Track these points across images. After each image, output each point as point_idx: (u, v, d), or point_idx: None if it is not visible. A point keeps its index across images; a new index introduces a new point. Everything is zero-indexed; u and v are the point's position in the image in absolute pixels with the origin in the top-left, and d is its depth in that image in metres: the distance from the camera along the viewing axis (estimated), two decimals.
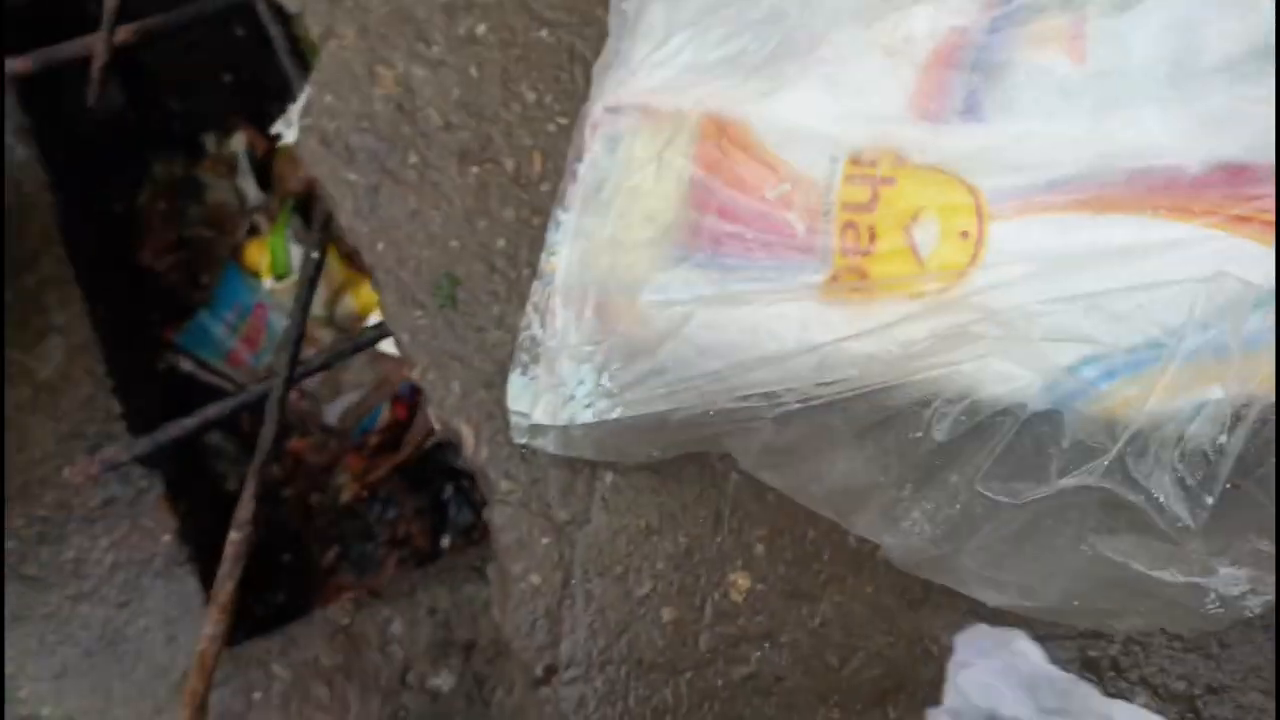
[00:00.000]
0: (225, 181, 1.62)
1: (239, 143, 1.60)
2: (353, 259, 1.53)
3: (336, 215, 0.68)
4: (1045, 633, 0.63)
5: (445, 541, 1.43)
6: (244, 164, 1.60)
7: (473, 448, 0.65)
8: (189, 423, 0.80)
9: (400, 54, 0.70)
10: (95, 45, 0.80)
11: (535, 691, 0.62)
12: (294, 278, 1.43)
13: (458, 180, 0.68)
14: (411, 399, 1.54)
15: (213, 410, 0.79)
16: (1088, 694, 0.50)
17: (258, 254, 1.54)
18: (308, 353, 1.56)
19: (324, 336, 1.50)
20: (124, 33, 0.80)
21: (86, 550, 1.16)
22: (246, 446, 1.44)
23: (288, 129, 0.71)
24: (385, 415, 1.52)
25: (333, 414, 1.53)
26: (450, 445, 1.45)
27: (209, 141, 1.59)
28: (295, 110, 0.71)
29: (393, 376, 1.55)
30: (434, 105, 0.69)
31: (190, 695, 0.70)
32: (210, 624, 0.71)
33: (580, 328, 0.62)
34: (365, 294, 1.47)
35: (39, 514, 1.17)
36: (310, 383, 1.53)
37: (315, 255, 0.75)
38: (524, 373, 0.63)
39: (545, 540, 0.64)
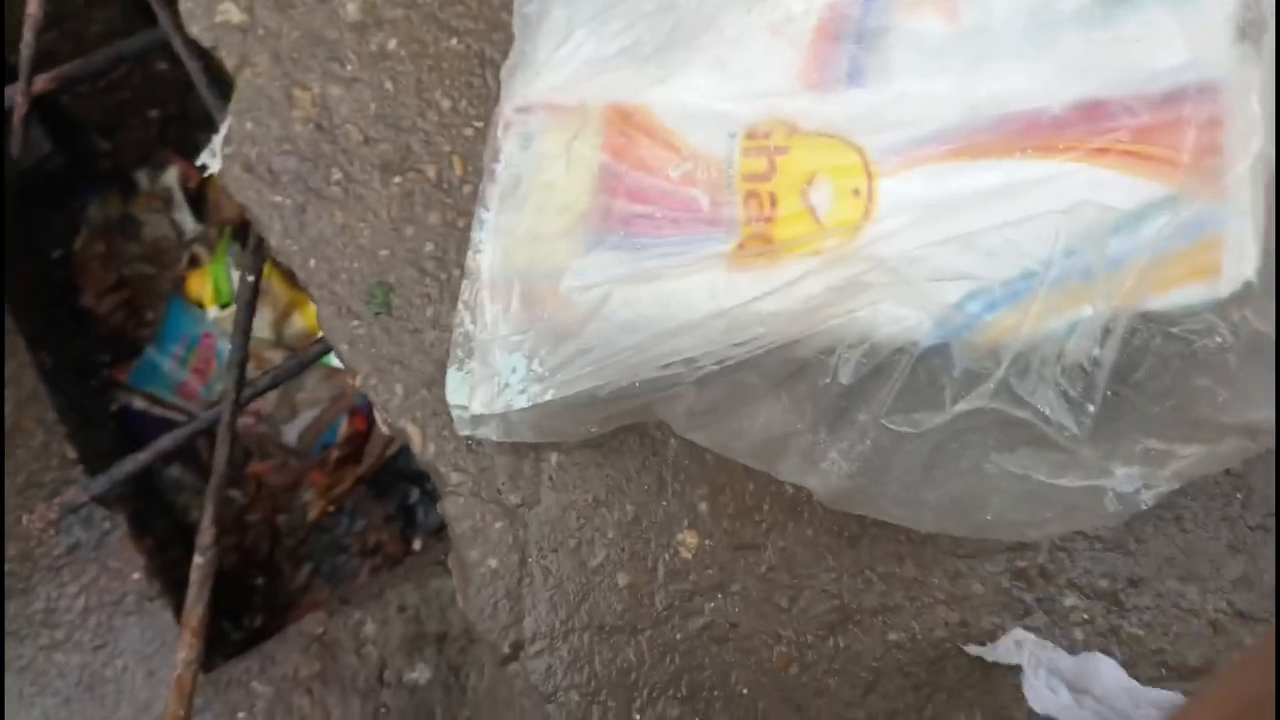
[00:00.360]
0: (161, 216, 1.63)
1: (171, 177, 1.61)
2: (294, 279, 1.54)
3: (267, 237, 0.71)
4: (973, 550, 0.67)
5: (417, 544, 1.46)
6: (178, 197, 1.61)
7: (421, 446, 0.68)
8: (142, 456, 0.82)
9: (315, 76, 0.73)
10: (14, 96, 0.82)
11: (504, 669, 0.66)
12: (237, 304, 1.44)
13: (382, 191, 0.71)
14: (369, 410, 1.56)
15: (165, 441, 0.82)
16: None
17: (200, 285, 1.55)
18: (258, 375, 1.58)
19: (274, 358, 1.51)
20: (41, 82, 0.81)
21: (55, 598, 1.17)
22: (206, 476, 1.45)
23: (212, 159, 0.73)
24: (344, 429, 1.54)
25: (291, 434, 1.55)
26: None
27: (141, 178, 1.60)
28: (218, 141, 0.74)
29: (348, 390, 1.57)
30: (352, 122, 0.72)
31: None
32: (184, 649, 0.73)
33: (508, 318, 0.65)
34: (312, 313, 1.49)
35: (4, 568, 1.18)
36: (266, 405, 1.55)
37: (250, 278, 0.78)
38: (460, 368, 0.66)
39: (499, 525, 0.67)
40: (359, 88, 0.73)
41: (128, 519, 1.19)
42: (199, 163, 0.75)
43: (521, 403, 0.63)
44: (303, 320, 1.55)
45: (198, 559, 0.74)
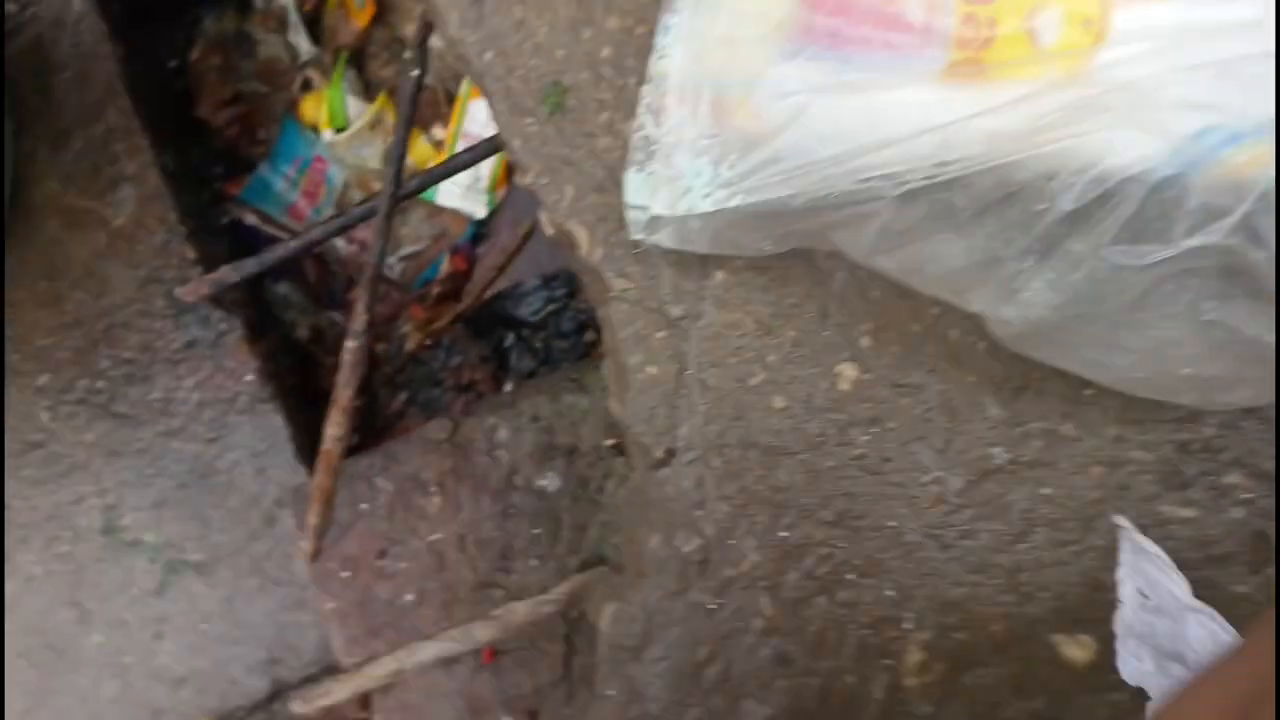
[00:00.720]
0: (276, 37, 1.60)
1: None
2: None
3: (443, 27, 0.69)
4: (1140, 417, 0.66)
5: (508, 386, 1.47)
6: (294, 18, 1.58)
7: (588, 248, 0.68)
8: (293, 244, 0.82)
9: None
10: None
11: (655, 473, 0.67)
12: (353, 128, 1.44)
13: None
14: (470, 251, 1.56)
15: (316, 232, 0.82)
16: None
17: (314, 108, 1.54)
18: (354, 192, 1.56)
19: (373, 174, 1.51)
20: None
21: (173, 390, 1.20)
22: (313, 295, 1.47)
23: None
24: (445, 267, 1.54)
25: (394, 266, 1.56)
26: (509, 294, 1.48)
27: None
28: None
29: (451, 229, 1.57)
30: None
31: (318, 491, 0.74)
32: (333, 425, 0.75)
33: (696, 123, 0.63)
34: (419, 148, 1.48)
35: (124, 356, 1.21)
36: (369, 235, 1.56)
37: (416, 73, 0.76)
38: (640, 169, 0.64)
39: (660, 334, 0.67)
40: None
41: (243, 323, 1.21)
42: None
43: (705, 206, 0.61)
44: (413, 159, 1.53)
45: (349, 343, 0.75)
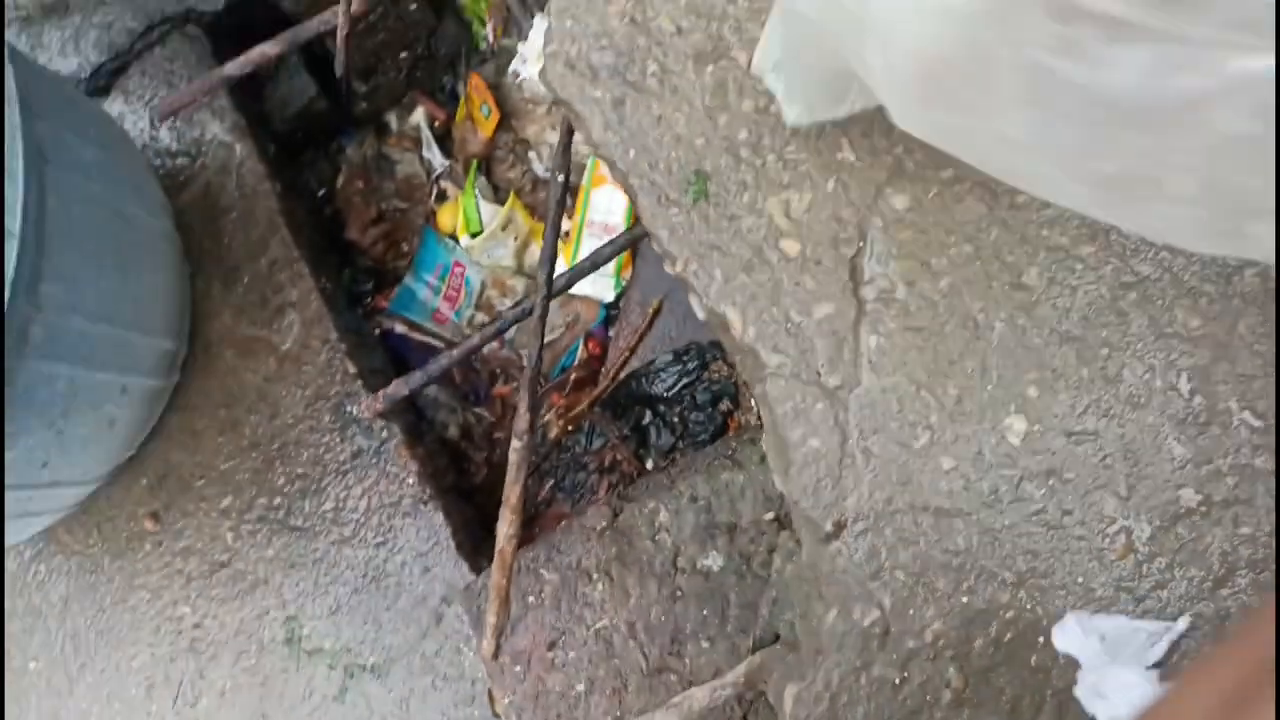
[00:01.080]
0: (412, 155, 1.72)
1: (419, 116, 1.70)
2: (534, 209, 1.60)
3: (587, 132, 0.74)
4: None
5: (649, 464, 1.50)
6: (427, 135, 1.69)
7: (740, 328, 0.70)
8: (455, 353, 0.87)
9: None
10: (335, 19, 0.88)
11: (825, 546, 0.67)
12: (486, 231, 1.51)
13: (696, 81, 0.72)
14: (603, 334, 1.61)
15: (475, 340, 0.86)
16: None
17: (450, 217, 1.63)
18: (501, 303, 1.64)
19: (516, 285, 1.58)
20: (358, 3, 0.87)
21: (343, 499, 1.28)
22: (462, 396, 1.54)
23: (523, 65, 0.76)
24: (581, 352, 1.59)
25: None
26: (643, 373, 1.51)
27: (392, 120, 1.69)
28: (528, 47, 0.77)
29: (583, 315, 1.62)
30: (665, 14, 0.73)
31: (496, 589, 0.77)
32: (505, 524, 0.78)
33: None
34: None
35: (298, 471, 1.29)
36: (509, 334, 1.62)
37: (560, 177, 0.81)
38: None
39: (819, 406, 0.68)
40: None
41: (403, 429, 1.28)
42: (511, 70, 0.78)
43: None
44: (539, 247, 1.60)
45: (515, 443, 0.79)
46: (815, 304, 0.69)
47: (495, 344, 1.64)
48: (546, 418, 1.65)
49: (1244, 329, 0.65)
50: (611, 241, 0.82)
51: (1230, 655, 0.35)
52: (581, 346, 1.64)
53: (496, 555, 0.78)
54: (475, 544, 1.28)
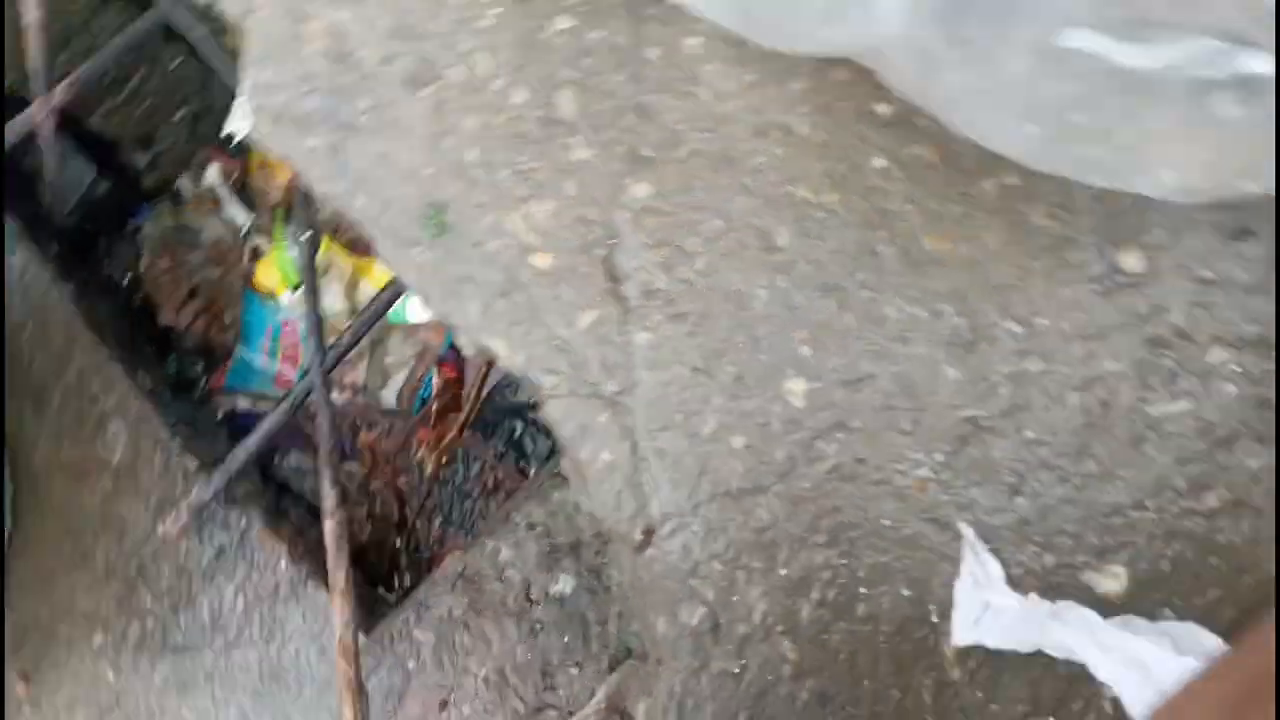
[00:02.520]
0: (213, 217, 1.66)
1: (213, 175, 1.64)
2: (355, 244, 1.57)
3: (311, 184, 0.72)
4: (1105, 326, 0.65)
5: (532, 473, 1.49)
6: (224, 193, 1.64)
7: (509, 357, 0.69)
8: (250, 442, 0.85)
9: (319, 3, 0.72)
10: (36, 115, 0.84)
11: (641, 556, 0.67)
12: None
13: (411, 109, 0.71)
14: (455, 357, 1.59)
15: (268, 422, 0.84)
16: None
17: (267, 274, 1.59)
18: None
19: (340, 320, 1.55)
20: (60, 91, 0.83)
21: (218, 604, 1.24)
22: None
23: (238, 124, 0.74)
24: (437, 380, 1.58)
25: (390, 398, 1.59)
26: (506, 384, 1.50)
27: (186, 185, 1.64)
28: (239, 104, 0.74)
29: (432, 342, 1.60)
30: (367, 44, 0.72)
31: (346, 683, 0.76)
32: (339, 613, 0.77)
33: None
34: (379, 274, 1.51)
35: (163, 588, 1.25)
36: (359, 377, 1.60)
37: (308, 234, 0.79)
38: None
39: (603, 417, 0.68)
40: (366, 5, 0.72)
41: (261, 514, 1.24)
42: (226, 131, 0.76)
43: None
44: (372, 285, 1.57)
45: (328, 523, 0.78)
46: (578, 314, 0.69)
47: (349, 394, 1.61)
48: (419, 455, 1.63)
49: (992, 241, 0.67)
50: (376, 297, 0.81)
51: (1231, 665, 0.36)
52: (436, 374, 1.61)
53: (337, 646, 0.77)
54: (372, 605, 1.26)
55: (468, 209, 0.71)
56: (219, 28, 0.75)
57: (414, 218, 0.71)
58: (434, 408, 1.58)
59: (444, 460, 1.58)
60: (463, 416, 1.57)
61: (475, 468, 1.56)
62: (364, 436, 1.60)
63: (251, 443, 0.85)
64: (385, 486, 1.58)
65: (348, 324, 1.54)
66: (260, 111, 0.71)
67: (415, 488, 1.58)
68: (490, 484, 1.54)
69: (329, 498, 0.78)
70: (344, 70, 0.71)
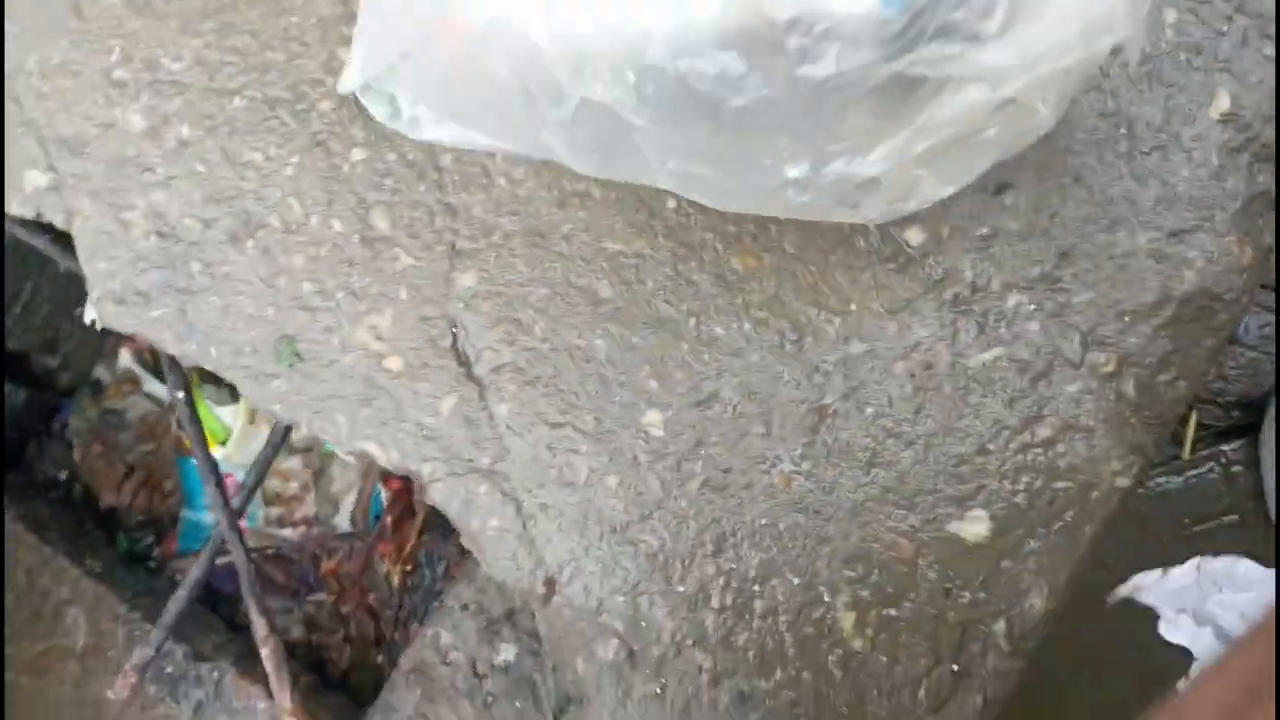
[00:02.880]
0: (135, 396, 1.69)
1: (126, 358, 1.68)
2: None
3: (165, 349, 0.76)
4: (902, 303, 0.70)
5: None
6: (140, 372, 1.67)
7: (385, 457, 0.73)
8: (182, 593, 0.88)
9: (135, 193, 0.77)
10: None
11: (549, 606, 0.70)
12: (234, 435, 1.51)
13: (241, 260, 0.75)
14: None
15: (195, 571, 0.87)
16: None
17: None
18: (287, 487, 1.63)
19: (292, 466, 1.57)
20: None
21: None
22: (290, 594, 1.52)
23: (91, 311, 0.78)
24: (385, 494, 1.60)
25: (344, 522, 1.61)
26: None
27: (103, 372, 1.67)
28: (90, 295, 0.78)
29: (369, 461, 1.62)
30: (187, 215, 0.76)
31: None
32: None
33: None
34: None
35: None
36: (308, 510, 1.62)
37: (180, 394, 0.83)
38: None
39: (483, 488, 0.71)
40: (177, 183, 0.76)
41: (232, 662, 1.26)
42: (87, 320, 0.80)
43: None
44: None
45: (263, 652, 0.80)
46: (439, 402, 0.73)
47: (303, 528, 1.63)
48: (385, 569, 1.65)
49: (789, 247, 0.72)
50: (266, 447, 0.84)
51: (1229, 665, 0.38)
52: (383, 488, 1.64)
53: None
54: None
55: (316, 335, 0.75)
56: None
57: (267, 355, 0.74)
58: (388, 520, 1.60)
59: (409, 568, 1.60)
60: (418, 522, 1.59)
61: (440, 567, 1.58)
62: (326, 565, 1.62)
63: (182, 594, 0.88)
64: (357, 608, 1.60)
65: (285, 465, 1.57)
66: (103, 300, 0.75)
67: (386, 601, 1.60)
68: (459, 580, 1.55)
69: (259, 626, 0.81)
70: (171, 244, 0.75)
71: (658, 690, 0.67)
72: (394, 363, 0.73)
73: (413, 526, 1.63)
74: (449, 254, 0.74)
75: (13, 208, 0.76)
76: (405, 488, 1.66)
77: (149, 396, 1.70)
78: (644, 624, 0.69)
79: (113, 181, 0.77)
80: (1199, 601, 0.66)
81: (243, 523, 1.54)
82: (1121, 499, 0.66)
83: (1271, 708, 0.34)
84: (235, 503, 0.83)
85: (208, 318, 0.74)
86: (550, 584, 0.69)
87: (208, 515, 1.57)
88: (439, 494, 0.71)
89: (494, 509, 0.71)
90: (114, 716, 1.27)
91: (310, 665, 1.49)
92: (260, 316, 0.74)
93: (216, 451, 1.55)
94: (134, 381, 1.72)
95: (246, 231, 0.75)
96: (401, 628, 1.59)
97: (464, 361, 0.73)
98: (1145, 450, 0.68)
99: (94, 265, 0.75)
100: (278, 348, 0.74)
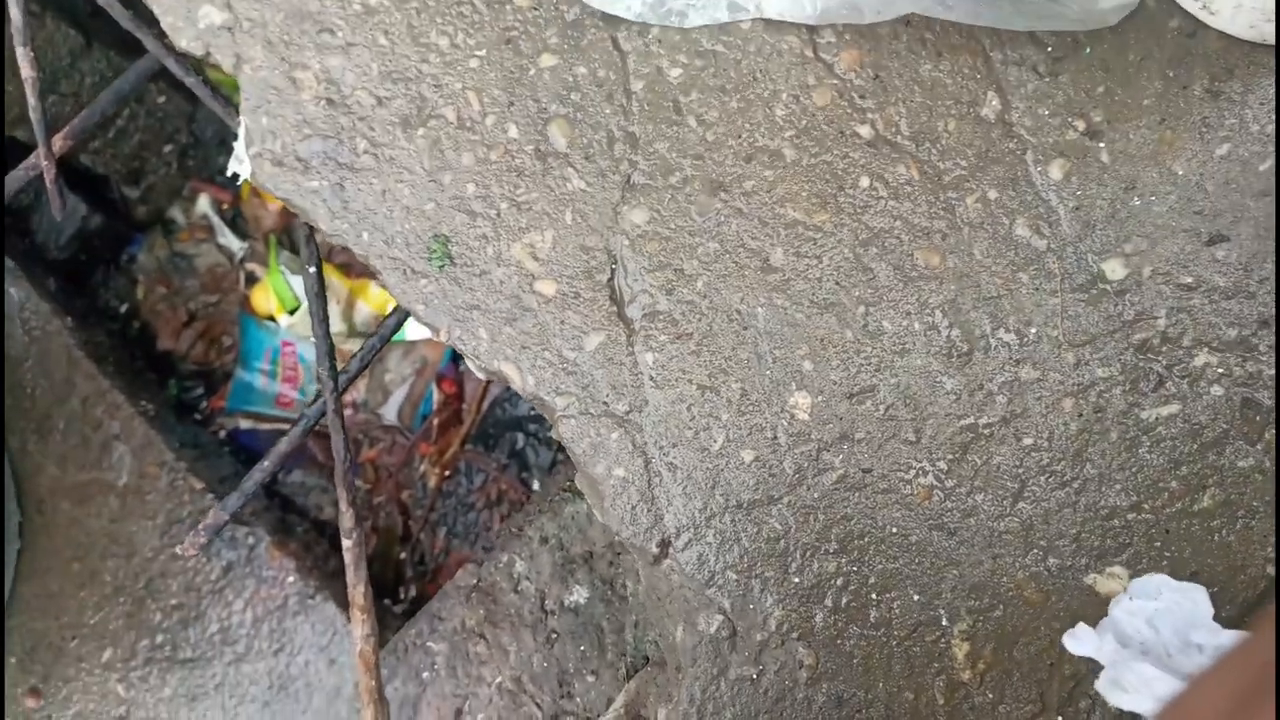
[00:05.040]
0: (208, 245, 1.66)
1: (204, 204, 1.63)
2: (350, 267, 1.56)
3: (315, 224, 0.71)
4: (1093, 332, 0.66)
5: (535, 484, 1.50)
6: (216, 222, 1.63)
7: (520, 381, 0.69)
8: (266, 465, 0.84)
9: (311, 52, 0.71)
10: (38, 163, 0.83)
11: (658, 567, 0.67)
12: (304, 305, 1.47)
13: (409, 147, 0.71)
14: (454, 371, 1.59)
15: (282, 445, 0.84)
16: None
17: (263, 298, 1.58)
18: (342, 365, 1.61)
19: (351, 347, 1.54)
20: (59, 142, 0.82)
21: (227, 618, 1.24)
22: (328, 475, 1.50)
23: (240, 165, 0.73)
24: (437, 395, 1.57)
25: (390, 413, 1.59)
26: (506, 397, 1.50)
27: (177, 214, 1.63)
28: (240, 146, 0.74)
29: (430, 357, 1.60)
30: (360, 87, 0.71)
31: (367, 693, 0.76)
32: (358, 625, 0.76)
33: None
34: (374, 295, 1.51)
35: (172, 603, 1.25)
36: (359, 394, 1.59)
37: (313, 269, 0.78)
38: None
39: (615, 435, 0.68)
40: (356, 51, 0.71)
41: (268, 530, 1.25)
42: (230, 172, 0.75)
43: None
44: (368, 305, 1.57)
45: (346, 542, 0.77)
46: (585, 337, 0.69)
47: (350, 410, 1.60)
48: (422, 469, 1.63)
49: (979, 254, 0.67)
50: (377, 332, 0.80)
51: (1231, 663, 0.36)
52: (436, 389, 1.61)
53: (358, 658, 0.77)
54: (380, 617, 1.26)
55: (471, 241, 0.70)
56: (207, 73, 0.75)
57: (418, 251, 0.70)
58: (435, 422, 1.58)
59: (446, 474, 1.58)
60: (464, 430, 1.57)
61: (478, 480, 1.56)
62: (366, 452, 1.60)
63: (266, 465, 0.85)
64: (389, 501, 1.58)
65: (348, 346, 1.54)
66: (260, 158, 0.70)
67: (419, 501, 1.58)
68: (493, 496, 1.54)
69: (346, 516, 0.78)
70: (340, 114, 0.71)
71: (754, 675, 0.65)
72: (546, 286, 0.69)
73: (458, 434, 1.61)
74: (623, 185, 0.69)
75: (181, 42, 0.71)
76: (458, 394, 1.64)
77: (220, 248, 1.66)
78: (752, 607, 0.66)
79: (290, 35, 0.71)
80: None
81: (296, 395, 1.51)
82: (1267, 587, 0.63)
83: (1271, 710, 0.32)
84: (339, 385, 0.79)
85: (365, 200, 0.70)
86: (665, 546, 0.66)
87: (261, 379, 1.54)
88: (568, 430, 0.67)
89: (622, 459, 0.67)
90: (144, 558, 1.26)
91: (335, 547, 1.48)
92: (418, 210, 0.70)
93: (283, 319, 1.52)
94: (208, 229, 1.68)
95: (419, 118, 0.70)
96: (430, 530, 1.58)
97: (618, 300, 0.69)
98: None
99: (256, 119, 0.70)
100: (430, 246, 0.69)
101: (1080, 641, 0.62)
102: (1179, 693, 0.41)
